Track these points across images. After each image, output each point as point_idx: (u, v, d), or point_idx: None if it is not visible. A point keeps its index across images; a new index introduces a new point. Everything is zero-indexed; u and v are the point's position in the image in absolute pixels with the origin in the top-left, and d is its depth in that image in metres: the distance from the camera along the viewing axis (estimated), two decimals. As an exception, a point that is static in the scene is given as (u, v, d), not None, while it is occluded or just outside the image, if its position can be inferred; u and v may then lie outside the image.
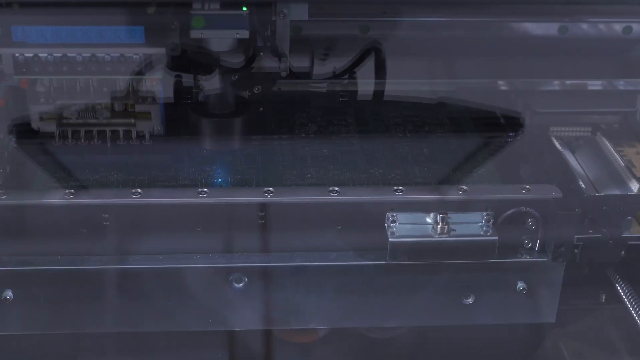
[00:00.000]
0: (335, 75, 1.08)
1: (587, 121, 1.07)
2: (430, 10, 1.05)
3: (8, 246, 0.90)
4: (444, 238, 0.89)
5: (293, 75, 1.03)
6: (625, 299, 0.94)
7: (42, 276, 0.90)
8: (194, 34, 0.93)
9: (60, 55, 0.92)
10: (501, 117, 1.07)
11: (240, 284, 0.91)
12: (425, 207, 0.90)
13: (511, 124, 1.06)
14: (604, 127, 1.07)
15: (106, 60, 0.93)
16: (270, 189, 0.90)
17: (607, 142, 1.03)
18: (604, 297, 1.00)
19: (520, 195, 0.91)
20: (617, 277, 0.96)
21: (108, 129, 0.97)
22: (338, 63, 1.08)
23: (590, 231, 0.91)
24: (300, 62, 1.05)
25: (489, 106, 1.07)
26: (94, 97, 0.96)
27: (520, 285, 0.93)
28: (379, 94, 1.09)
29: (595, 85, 1.11)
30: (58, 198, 0.89)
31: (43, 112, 0.96)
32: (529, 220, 0.92)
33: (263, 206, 0.90)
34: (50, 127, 0.97)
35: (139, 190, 0.90)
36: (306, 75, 1.07)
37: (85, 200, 0.89)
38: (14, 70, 0.92)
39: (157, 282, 0.91)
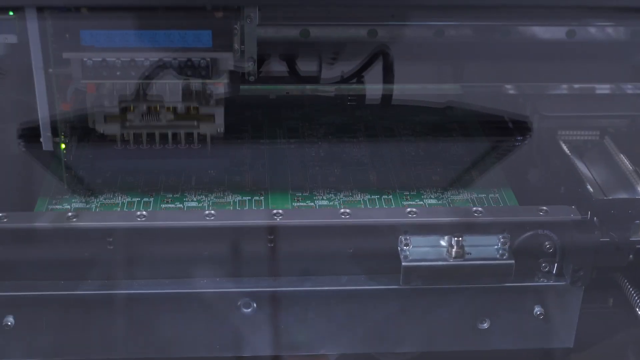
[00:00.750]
0: (343, 80, 1.08)
1: (595, 125, 1.06)
2: (438, 14, 1.04)
3: (9, 271, 0.88)
4: (459, 262, 0.87)
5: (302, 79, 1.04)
6: (633, 303, 0.93)
7: (44, 302, 0.88)
8: None
9: (127, 59, 0.91)
10: (509, 121, 1.06)
11: (249, 309, 0.89)
12: (439, 229, 0.88)
13: (519, 127, 1.05)
14: (612, 131, 1.06)
15: (173, 64, 0.92)
16: (280, 211, 0.88)
17: (615, 145, 1.03)
18: (612, 301, 0.99)
19: (537, 217, 0.89)
20: (625, 281, 0.94)
21: (170, 132, 0.96)
22: (346, 67, 1.08)
23: (613, 255, 0.91)
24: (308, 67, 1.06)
25: (497, 110, 1.06)
26: (158, 101, 0.95)
27: (538, 309, 0.91)
28: (386, 98, 1.09)
29: (603, 89, 1.11)
30: (60, 221, 0.87)
31: (107, 115, 0.95)
32: (547, 243, 0.89)
33: (272, 229, 0.88)
34: (114, 130, 0.96)
35: (144, 212, 0.88)
36: (314, 79, 1.07)
37: (88, 223, 0.87)
38: (81, 75, 0.91)
39: (164, 307, 0.89)
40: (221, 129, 0.96)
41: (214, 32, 0.90)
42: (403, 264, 0.87)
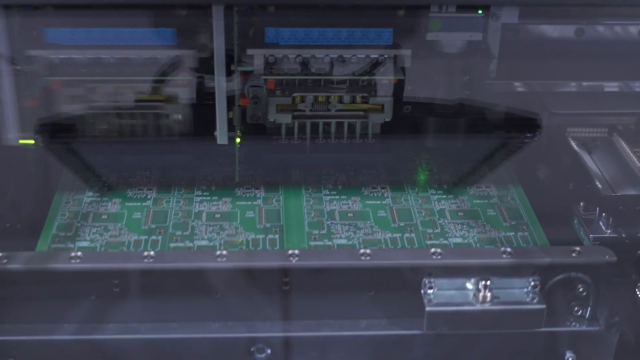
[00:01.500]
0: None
1: (603, 122, 1.07)
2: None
3: (11, 314, 0.84)
4: (487, 306, 0.83)
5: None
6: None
7: (47, 347, 0.85)
8: (430, 36, 0.95)
9: (92, 56, 0.93)
10: (519, 118, 1.04)
11: (262, 355, 0.86)
12: (465, 271, 0.84)
13: (528, 125, 1.03)
14: (621, 128, 1.07)
15: (137, 61, 0.94)
16: (296, 251, 0.84)
17: (623, 142, 1.03)
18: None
19: (570, 259, 0.85)
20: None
21: (140, 122, 0.97)
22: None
23: (608, 231, 0.92)
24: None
25: (507, 107, 1.05)
26: (124, 98, 0.97)
27: (569, 356, 0.88)
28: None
29: (611, 86, 1.13)
30: (63, 262, 0.83)
31: (73, 112, 0.96)
32: (580, 286, 0.85)
33: (287, 271, 0.84)
34: (80, 126, 0.97)
35: (151, 253, 0.84)
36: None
37: (92, 265, 0.83)
38: (46, 72, 0.93)
39: (173, 352, 0.85)
40: (180, 117, 0.96)
41: (179, 30, 0.93)
42: (427, 308, 0.83)
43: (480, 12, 0.96)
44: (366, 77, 0.95)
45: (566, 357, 0.87)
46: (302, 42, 0.93)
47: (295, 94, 0.95)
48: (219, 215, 0.95)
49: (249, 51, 0.92)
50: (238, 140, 0.96)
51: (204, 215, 0.95)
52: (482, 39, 0.97)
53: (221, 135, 0.95)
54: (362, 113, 0.96)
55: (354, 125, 0.97)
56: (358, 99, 0.96)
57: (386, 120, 0.97)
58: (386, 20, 0.93)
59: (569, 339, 0.87)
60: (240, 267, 0.84)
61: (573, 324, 0.87)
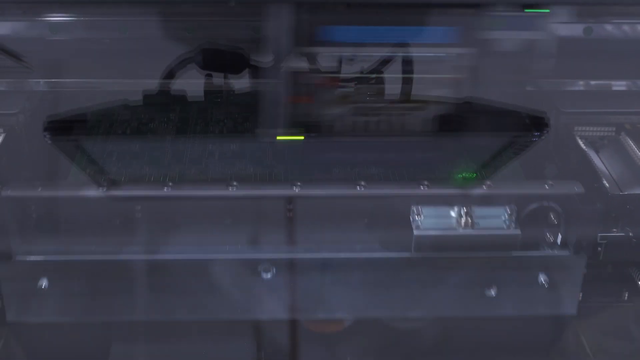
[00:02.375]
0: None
1: (611, 121, 1.06)
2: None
3: (43, 237, 0.92)
4: (468, 232, 0.90)
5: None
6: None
7: (76, 266, 0.92)
8: (493, 34, 0.97)
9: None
10: (527, 117, 1.04)
11: (268, 274, 0.93)
12: (449, 202, 0.91)
13: (537, 123, 1.03)
14: (628, 127, 1.06)
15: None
16: (298, 182, 0.91)
17: (631, 141, 1.03)
18: (626, 294, 0.99)
19: (543, 191, 0.92)
20: None
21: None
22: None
23: (614, 230, 0.92)
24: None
25: (515, 105, 1.04)
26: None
27: (542, 278, 0.94)
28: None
29: (619, 85, 1.11)
30: (92, 190, 0.90)
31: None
32: (552, 214, 0.92)
33: (291, 199, 0.91)
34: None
35: (170, 183, 0.91)
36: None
37: (117, 192, 0.90)
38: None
39: (188, 272, 0.93)
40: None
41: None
42: (415, 232, 0.90)
43: (547, 11, 0.96)
44: (428, 76, 0.96)
45: (539, 280, 0.94)
46: (366, 41, 0.93)
47: (356, 87, 0.96)
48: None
49: (311, 49, 0.93)
50: (302, 137, 0.95)
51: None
52: (543, 37, 0.98)
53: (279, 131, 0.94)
54: (421, 105, 0.97)
55: (413, 122, 0.96)
56: (418, 97, 0.97)
57: (442, 116, 0.97)
58: (451, 19, 0.93)
59: (542, 262, 0.94)
60: (249, 195, 0.90)
61: (545, 249, 0.94)
